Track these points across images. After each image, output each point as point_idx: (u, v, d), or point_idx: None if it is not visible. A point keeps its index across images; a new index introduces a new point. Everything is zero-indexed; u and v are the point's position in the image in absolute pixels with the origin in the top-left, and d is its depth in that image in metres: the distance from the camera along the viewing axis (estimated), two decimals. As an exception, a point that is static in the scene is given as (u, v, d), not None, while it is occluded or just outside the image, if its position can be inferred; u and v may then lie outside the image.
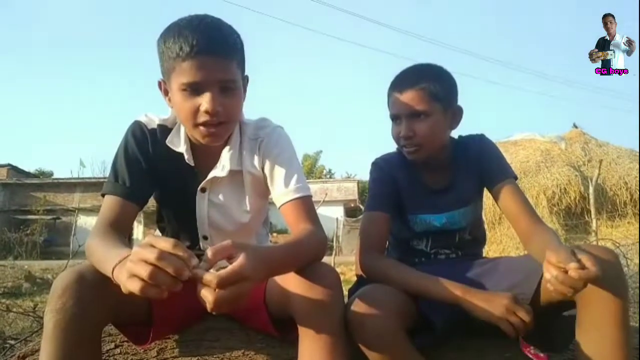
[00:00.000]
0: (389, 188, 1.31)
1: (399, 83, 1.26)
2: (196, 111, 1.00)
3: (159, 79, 1.07)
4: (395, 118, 1.27)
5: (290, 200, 1.09)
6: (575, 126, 9.63)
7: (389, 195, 1.30)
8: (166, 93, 1.07)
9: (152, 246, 0.73)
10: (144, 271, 0.71)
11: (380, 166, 1.35)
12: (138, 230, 17.81)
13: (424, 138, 1.22)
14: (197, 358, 1.11)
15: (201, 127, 1.02)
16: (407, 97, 1.22)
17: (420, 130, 1.22)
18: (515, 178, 1.26)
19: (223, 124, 1.04)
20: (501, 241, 7.79)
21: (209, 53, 0.96)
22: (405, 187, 1.31)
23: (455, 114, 1.28)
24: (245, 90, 1.11)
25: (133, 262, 0.73)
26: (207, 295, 0.74)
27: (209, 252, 0.77)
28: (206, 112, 0.99)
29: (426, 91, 1.21)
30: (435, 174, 1.32)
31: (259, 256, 0.82)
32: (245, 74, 1.09)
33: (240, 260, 0.76)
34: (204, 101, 0.98)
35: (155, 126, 1.15)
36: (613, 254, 0.96)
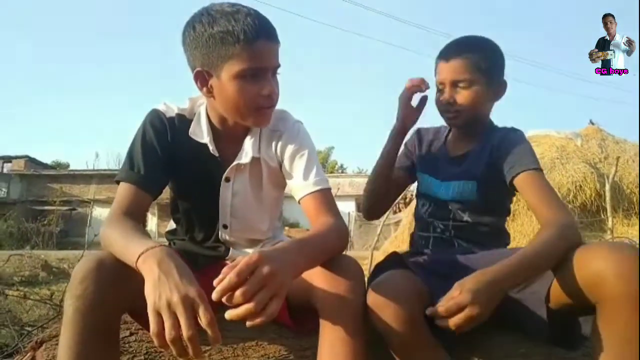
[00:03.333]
0: (408, 154, 1.48)
1: (445, 52, 1.31)
2: (256, 96, 1.02)
3: (198, 69, 1.03)
4: (442, 85, 1.31)
5: (310, 193, 1.09)
6: (591, 122, 9.45)
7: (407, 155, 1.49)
8: (204, 84, 1.05)
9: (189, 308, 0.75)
10: (187, 329, 0.73)
11: (419, 130, 1.50)
12: (152, 222, 17.99)
13: (464, 106, 1.27)
14: (209, 347, 1.13)
15: (262, 110, 1.06)
16: (452, 65, 1.27)
17: (461, 98, 1.27)
18: (538, 169, 1.20)
19: (272, 108, 1.09)
20: (514, 238, 7.71)
21: (271, 38, 1.00)
22: (430, 150, 1.43)
23: (499, 88, 1.32)
24: None
25: (176, 308, 0.74)
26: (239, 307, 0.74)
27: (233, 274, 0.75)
28: (269, 95, 1.03)
29: (470, 61, 1.25)
30: (459, 143, 1.38)
31: (284, 255, 0.83)
32: None
33: (252, 254, 0.78)
34: (266, 85, 1.02)
35: (173, 115, 1.16)
36: (634, 251, 0.87)
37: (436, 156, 1.41)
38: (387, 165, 1.41)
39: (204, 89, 1.06)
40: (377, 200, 1.49)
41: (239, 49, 0.96)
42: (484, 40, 1.32)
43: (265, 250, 0.81)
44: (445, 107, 1.30)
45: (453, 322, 0.88)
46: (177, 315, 0.74)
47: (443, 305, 0.90)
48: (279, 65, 1.05)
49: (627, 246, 0.91)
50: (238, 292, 0.73)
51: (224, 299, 0.74)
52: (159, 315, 0.75)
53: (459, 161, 1.35)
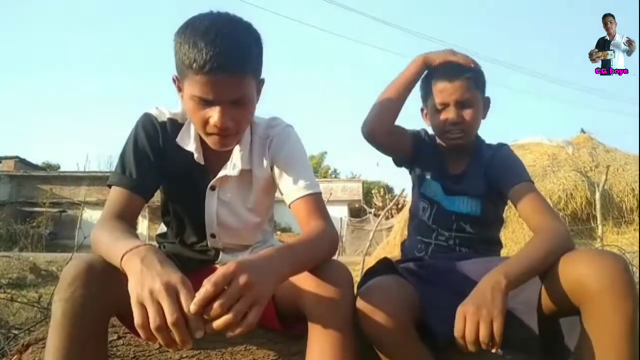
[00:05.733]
0: (417, 137, 1.47)
1: (447, 72, 1.34)
2: (206, 122, 0.99)
3: (173, 75, 1.05)
4: (443, 106, 1.33)
5: (301, 197, 1.09)
6: (583, 131, 9.56)
7: (414, 135, 1.47)
8: (180, 89, 1.05)
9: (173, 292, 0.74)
10: (171, 314, 0.71)
11: (421, 132, 1.50)
12: (143, 225, 17.86)
13: (470, 124, 1.33)
14: (199, 351, 1.12)
15: (212, 136, 1.03)
16: (457, 85, 1.31)
17: (467, 117, 1.32)
18: (531, 181, 1.26)
19: (232, 135, 1.04)
20: (506, 245, 7.74)
21: (222, 72, 0.92)
22: (429, 162, 1.44)
23: (487, 104, 1.38)
24: (259, 93, 1.09)
25: (159, 295, 0.73)
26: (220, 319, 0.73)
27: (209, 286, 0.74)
28: (215, 126, 0.99)
29: (471, 81, 1.32)
30: (455, 161, 1.41)
31: (263, 263, 0.82)
32: (262, 77, 1.07)
33: (229, 264, 0.77)
34: (214, 115, 0.97)
35: (165, 119, 1.15)
36: (621, 261, 0.91)
37: (439, 167, 1.42)
38: (400, 93, 1.38)
39: (180, 93, 1.06)
40: (380, 120, 1.39)
41: (192, 74, 0.94)
42: (472, 58, 1.38)
43: (244, 259, 0.80)
44: (451, 127, 1.32)
45: (482, 339, 0.89)
46: (160, 302, 0.73)
47: (460, 337, 0.92)
48: (238, 97, 0.98)
49: (610, 253, 0.95)
50: (216, 304, 0.72)
51: (209, 315, 0.73)
52: (142, 306, 0.74)
53: (458, 178, 1.38)
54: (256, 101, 1.09)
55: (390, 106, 1.38)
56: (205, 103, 0.97)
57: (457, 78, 1.31)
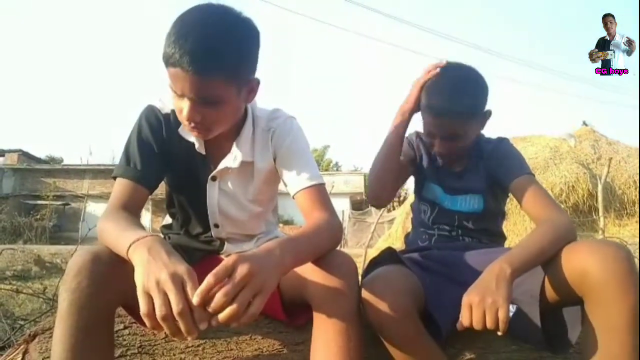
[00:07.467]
0: (412, 147, 1.47)
1: (437, 107, 1.26)
2: (180, 112, 1.00)
3: None
4: (430, 134, 1.33)
5: (304, 189, 1.09)
6: (585, 124, 9.53)
7: (410, 148, 1.47)
8: None
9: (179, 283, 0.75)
10: (177, 304, 0.72)
11: (418, 134, 1.49)
12: (146, 217, 17.92)
13: (463, 149, 1.32)
14: (204, 341, 1.13)
15: (187, 127, 1.03)
16: (448, 122, 1.25)
17: (460, 144, 1.29)
18: (532, 174, 1.26)
19: (204, 130, 1.03)
20: (507, 237, 7.74)
21: (185, 69, 0.90)
22: (431, 158, 1.43)
23: (484, 118, 1.33)
24: (255, 93, 1.08)
25: (165, 286, 0.74)
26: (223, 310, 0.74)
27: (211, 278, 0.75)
28: (184, 118, 0.99)
29: (464, 115, 1.25)
30: (454, 160, 1.39)
31: (264, 255, 0.83)
32: (255, 76, 1.04)
33: (231, 256, 0.78)
34: (184, 108, 0.98)
35: (168, 111, 1.15)
36: (624, 251, 0.91)
37: (437, 166, 1.42)
38: (392, 156, 1.37)
39: None
40: (383, 188, 1.40)
41: (165, 64, 0.95)
42: (469, 81, 1.28)
43: (245, 253, 0.82)
44: (444, 157, 1.34)
45: (489, 327, 0.90)
46: (166, 292, 0.74)
47: (467, 326, 0.93)
48: (204, 96, 0.95)
49: (613, 243, 0.94)
50: (219, 294, 0.73)
51: (210, 308, 0.74)
52: (148, 295, 0.75)
53: (459, 175, 1.38)
54: (243, 101, 1.07)
55: (387, 174, 1.38)
56: (177, 94, 0.98)
57: (448, 115, 1.24)
